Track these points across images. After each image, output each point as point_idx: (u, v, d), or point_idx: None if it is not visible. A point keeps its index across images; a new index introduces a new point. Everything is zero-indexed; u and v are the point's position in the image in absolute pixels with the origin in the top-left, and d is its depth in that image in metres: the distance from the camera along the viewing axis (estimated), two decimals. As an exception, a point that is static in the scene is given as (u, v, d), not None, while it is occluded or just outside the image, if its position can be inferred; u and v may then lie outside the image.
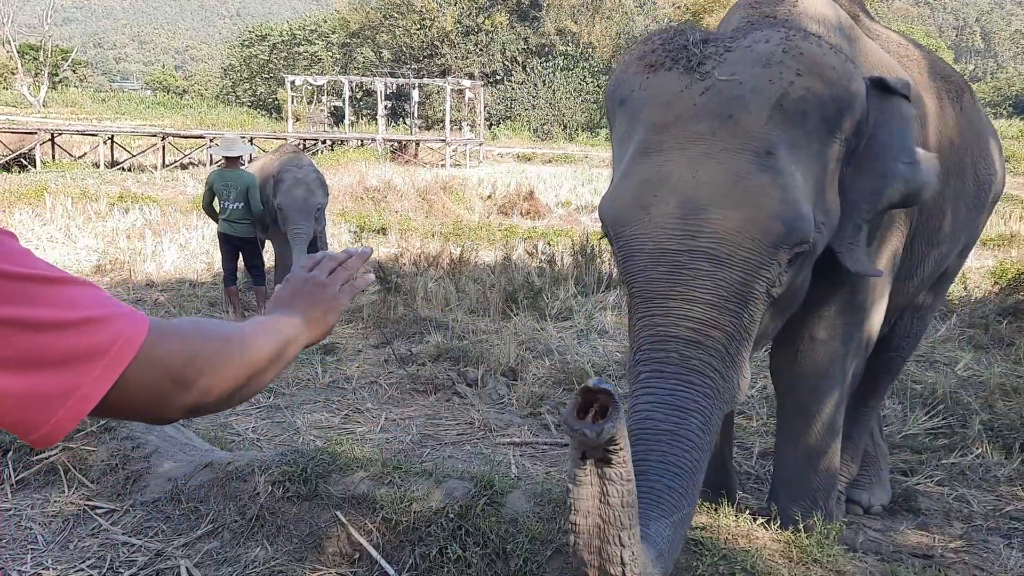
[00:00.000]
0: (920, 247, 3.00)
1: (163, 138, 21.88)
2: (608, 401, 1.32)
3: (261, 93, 45.75)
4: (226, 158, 6.77)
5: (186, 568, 2.63)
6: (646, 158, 2.08)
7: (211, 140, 22.47)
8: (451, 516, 2.63)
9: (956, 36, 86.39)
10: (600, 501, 1.44)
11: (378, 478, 2.86)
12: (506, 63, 39.07)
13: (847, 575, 2.37)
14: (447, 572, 2.54)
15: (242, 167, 7.12)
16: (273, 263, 7.68)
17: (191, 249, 9.38)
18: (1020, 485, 3.76)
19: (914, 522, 3.47)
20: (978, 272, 8.58)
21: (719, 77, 2.05)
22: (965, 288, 7.68)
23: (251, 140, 23.43)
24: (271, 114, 42.08)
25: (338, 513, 2.77)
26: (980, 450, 4.09)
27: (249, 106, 44.70)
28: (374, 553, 2.64)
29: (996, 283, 7.61)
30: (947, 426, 4.40)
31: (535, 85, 38.14)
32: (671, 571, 1.78)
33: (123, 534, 2.81)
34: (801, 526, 2.58)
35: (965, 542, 3.28)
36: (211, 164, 21.50)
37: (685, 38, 2.20)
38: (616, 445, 1.36)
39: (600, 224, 2.23)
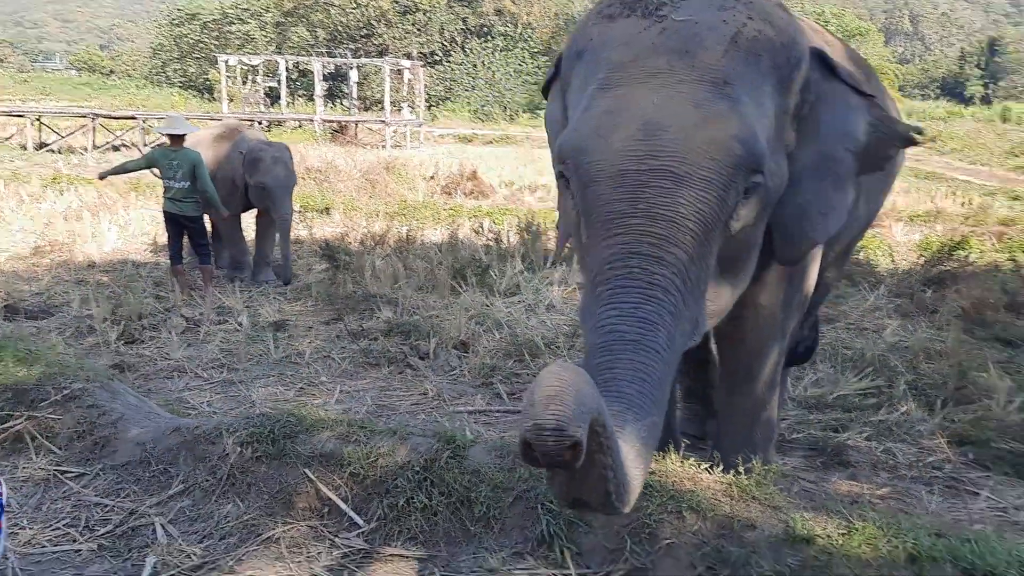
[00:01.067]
0: None
1: (93, 119, 21.26)
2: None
3: (192, 73, 44.65)
4: (170, 136, 6.71)
5: (160, 525, 2.73)
6: (606, 92, 2.13)
7: (143, 121, 22.01)
8: (417, 469, 2.78)
9: (886, 19, 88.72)
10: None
11: (344, 437, 2.99)
12: (445, 44, 38.90)
13: (782, 510, 2.59)
14: (414, 520, 2.69)
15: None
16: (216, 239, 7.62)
17: (131, 230, 9.26)
18: (940, 438, 4.04)
19: (845, 473, 3.72)
20: (905, 246, 9.02)
21: (676, 18, 2.15)
22: (893, 260, 8.08)
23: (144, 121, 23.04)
24: (203, 95, 41.12)
25: (306, 470, 2.89)
26: (905, 408, 4.38)
27: (180, 86, 43.61)
28: (343, 506, 2.77)
29: (921, 255, 8.00)
30: (875, 387, 4.67)
31: (474, 66, 38.04)
32: (647, 475, 1.84)
33: (95, 496, 2.89)
34: (741, 469, 2.79)
35: (891, 490, 3.55)
36: (144, 146, 21.07)
37: None
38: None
39: (557, 162, 2.24)
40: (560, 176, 2.25)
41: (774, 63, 2.18)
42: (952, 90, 54.18)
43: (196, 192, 6.56)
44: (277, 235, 7.32)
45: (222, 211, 6.90)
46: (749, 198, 2.11)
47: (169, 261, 6.88)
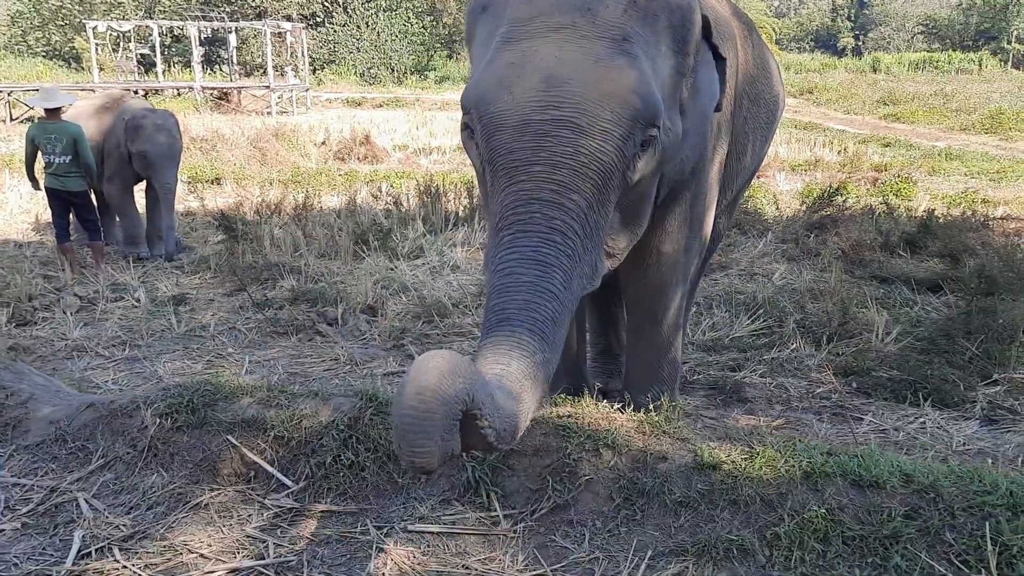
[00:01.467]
0: (731, 164, 3.41)
1: (-49, 94, 19.84)
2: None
3: (56, 42, 41.92)
4: (47, 110, 6.41)
5: (84, 499, 2.70)
6: (509, 46, 2.19)
7: (8, 94, 20.67)
8: (341, 427, 2.84)
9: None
10: None
11: (265, 402, 3.01)
12: (326, 4, 37.73)
13: (690, 442, 2.78)
14: (343, 477, 2.75)
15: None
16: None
17: (9, 208, 8.81)
18: (827, 371, 4.35)
19: (742, 409, 3.98)
20: (788, 194, 9.47)
21: None
22: (777, 208, 8.49)
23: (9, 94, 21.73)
24: (70, 64, 38.76)
25: (229, 437, 2.90)
26: (795, 345, 4.69)
27: (44, 56, 40.95)
28: (269, 468, 2.81)
29: (803, 203, 8.44)
30: (767, 327, 4.98)
31: (358, 27, 37.09)
32: (540, 403, 1.95)
33: (12, 476, 2.83)
34: (651, 407, 2.97)
35: (785, 420, 3.82)
36: (10, 121, 19.83)
37: None
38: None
39: (462, 113, 2.30)
40: (465, 127, 2.31)
41: (670, 23, 2.29)
42: (825, 43, 56.29)
43: (79, 166, 6.31)
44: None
45: (99, 185, 6.78)
46: (645, 150, 2.21)
47: (56, 239, 6.61)
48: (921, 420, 3.79)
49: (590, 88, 2.08)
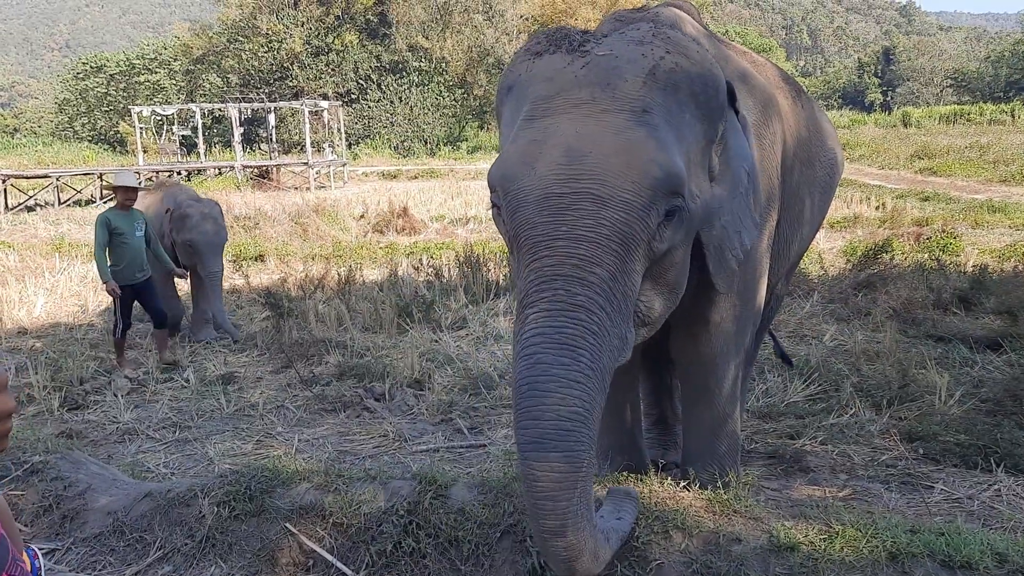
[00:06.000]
0: (785, 230, 3.36)
1: (4, 180, 20.52)
2: None
3: (101, 127, 43.58)
4: (123, 190, 6.06)
5: (143, 595, 2.65)
6: (531, 123, 2.20)
7: (56, 179, 21.33)
8: (401, 513, 2.77)
9: (785, 35, 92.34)
10: None
11: (323, 487, 2.96)
12: (360, 82, 38.80)
13: (763, 521, 2.67)
14: (404, 565, 2.68)
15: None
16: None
17: (59, 292, 8.97)
18: (891, 436, 4.21)
19: (805, 479, 3.84)
20: (831, 252, 9.37)
21: (597, 53, 2.25)
22: (822, 267, 8.38)
23: (100, 176, 22.44)
24: (114, 148, 40.17)
25: (287, 524, 2.85)
26: (853, 409, 4.55)
27: (89, 141, 42.49)
28: (329, 557, 2.75)
29: (848, 260, 8.32)
30: (823, 391, 4.85)
31: (392, 102, 38.05)
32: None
33: (70, 570, 2.80)
34: (719, 484, 2.87)
35: (851, 490, 3.68)
36: (59, 204, 20.44)
37: (567, 30, 2.42)
38: None
39: (489, 192, 2.31)
40: (493, 205, 2.32)
41: (691, 91, 2.28)
42: (853, 99, 56.56)
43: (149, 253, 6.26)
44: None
45: (175, 269, 6.66)
46: (671, 219, 2.18)
47: (123, 330, 6.22)
48: (995, 487, 3.63)
49: (610, 159, 2.07)
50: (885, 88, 56.39)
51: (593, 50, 2.26)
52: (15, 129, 54.49)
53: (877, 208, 13.72)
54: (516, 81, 2.37)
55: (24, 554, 1.62)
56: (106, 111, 43.37)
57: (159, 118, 29.59)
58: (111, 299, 6.21)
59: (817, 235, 10.52)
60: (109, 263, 6.02)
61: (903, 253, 8.68)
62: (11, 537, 1.53)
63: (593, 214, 2.04)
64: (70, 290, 9.08)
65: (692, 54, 2.32)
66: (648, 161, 2.08)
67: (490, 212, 2.45)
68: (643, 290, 2.22)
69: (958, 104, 42.41)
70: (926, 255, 8.52)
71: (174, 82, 42.50)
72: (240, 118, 27.28)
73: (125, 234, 6.03)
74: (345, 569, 2.71)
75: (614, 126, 2.12)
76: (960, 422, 4.26)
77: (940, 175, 20.45)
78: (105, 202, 21.24)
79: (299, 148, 32.90)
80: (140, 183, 6.40)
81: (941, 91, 51.87)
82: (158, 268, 6.54)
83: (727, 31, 44.64)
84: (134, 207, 6.19)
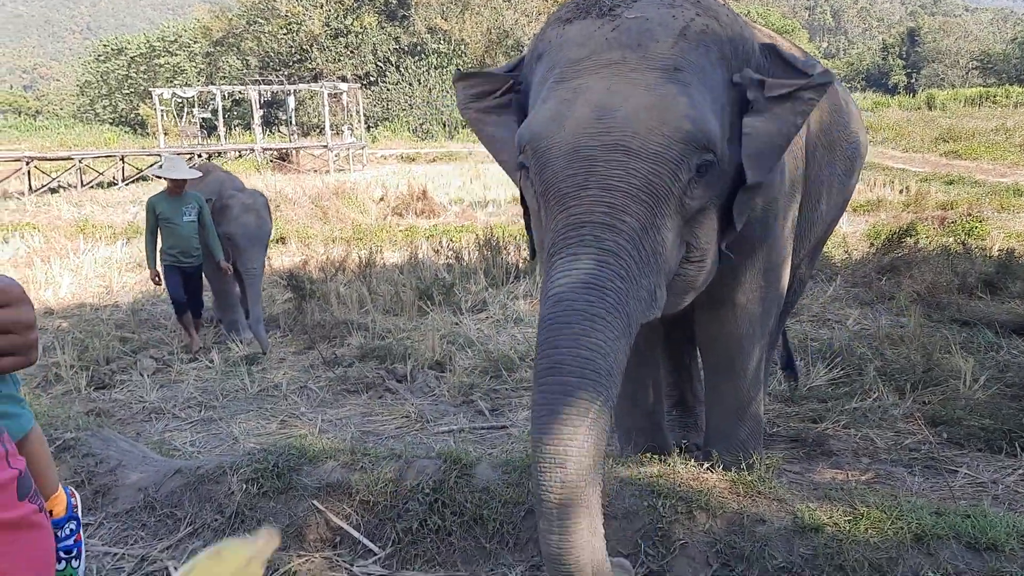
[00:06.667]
0: (807, 212, 3.35)
1: (28, 162, 20.70)
2: None
3: (122, 109, 43.86)
4: (174, 181, 6.07)
5: (174, 568, 2.70)
6: (562, 84, 2.20)
7: (79, 161, 21.51)
8: (427, 491, 2.80)
9: (808, 16, 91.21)
10: None
11: (349, 465, 3.00)
12: (379, 64, 38.76)
13: (787, 502, 2.68)
14: (429, 542, 2.71)
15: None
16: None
17: (84, 273, 9.07)
18: (914, 420, 4.19)
19: (828, 462, 3.85)
20: (854, 236, 9.29)
21: (627, 16, 2.24)
22: (846, 251, 8.32)
23: (122, 158, 22.62)
24: (135, 130, 40.43)
25: (315, 502, 2.89)
26: (877, 393, 4.53)
27: (111, 123, 42.79)
28: (355, 534, 2.78)
29: (872, 244, 8.26)
30: (846, 375, 4.82)
31: (410, 85, 38.01)
32: (601, 448, 1.90)
33: (103, 545, 2.85)
34: (744, 466, 2.88)
35: (874, 474, 3.68)
36: (82, 186, 20.60)
37: None
38: None
39: (518, 155, 2.28)
40: (520, 166, 2.30)
41: (722, 54, 2.27)
42: (877, 81, 55.83)
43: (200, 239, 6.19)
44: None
45: (221, 261, 6.27)
46: (703, 175, 2.16)
47: (180, 312, 6.23)
48: (1020, 471, 3.62)
49: (640, 114, 2.07)
50: (909, 70, 55.59)
51: (623, 14, 2.25)
52: (37, 111, 55.04)
53: (901, 192, 13.57)
54: (547, 48, 2.37)
55: (61, 490, 1.67)
56: (127, 93, 43.63)
57: (179, 100, 29.68)
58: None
59: (840, 219, 10.46)
60: (160, 246, 6.08)
61: (927, 237, 8.60)
62: (42, 474, 1.57)
63: (623, 165, 2.03)
64: (95, 271, 9.17)
65: (722, 17, 2.32)
66: (679, 116, 2.08)
67: (510, 193, 2.43)
68: (680, 252, 2.21)
69: (984, 86, 41.77)
70: (951, 239, 8.43)
71: (194, 64, 42.65)
72: (260, 100, 27.34)
73: (171, 219, 6.03)
74: (372, 546, 2.75)
75: (645, 83, 2.12)
76: (985, 406, 4.24)
77: (965, 158, 20.18)
78: (127, 184, 21.44)
79: (318, 131, 32.93)
80: (193, 165, 6.26)
81: (967, 73, 51.14)
82: (210, 260, 6.33)
83: (749, 12, 44.11)
84: (189, 191, 6.13)
